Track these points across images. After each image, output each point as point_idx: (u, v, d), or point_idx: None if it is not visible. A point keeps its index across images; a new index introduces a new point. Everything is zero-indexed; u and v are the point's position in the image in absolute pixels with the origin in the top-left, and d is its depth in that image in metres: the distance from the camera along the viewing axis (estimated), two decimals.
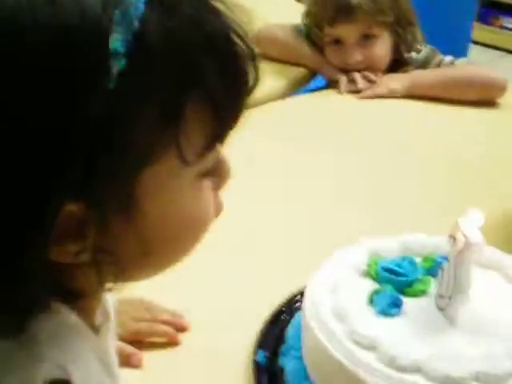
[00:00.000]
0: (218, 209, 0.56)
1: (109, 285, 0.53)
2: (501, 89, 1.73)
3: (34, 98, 0.43)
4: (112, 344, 0.60)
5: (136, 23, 0.44)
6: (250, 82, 0.51)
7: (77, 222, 0.46)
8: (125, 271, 0.50)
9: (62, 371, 0.49)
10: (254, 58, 0.51)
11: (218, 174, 0.54)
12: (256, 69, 0.51)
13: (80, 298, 0.52)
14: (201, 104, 0.48)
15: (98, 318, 0.58)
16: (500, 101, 1.75)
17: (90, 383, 0.51)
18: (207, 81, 0.47)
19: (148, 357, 0.87)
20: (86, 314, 0.55)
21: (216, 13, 0.49)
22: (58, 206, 0.45)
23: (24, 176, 0.43)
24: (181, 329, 0.92)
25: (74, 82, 0.43)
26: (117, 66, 0.43)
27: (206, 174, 0.52)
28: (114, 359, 0.60)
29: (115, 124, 0.44)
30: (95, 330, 0.56)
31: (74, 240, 0.47)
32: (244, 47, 0.50)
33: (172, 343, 0.90)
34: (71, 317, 0.51)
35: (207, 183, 0.53)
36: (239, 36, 0.50)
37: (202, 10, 0.48)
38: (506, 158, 1.49)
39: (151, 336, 0.90)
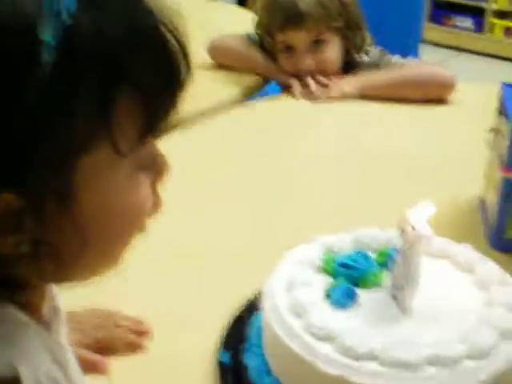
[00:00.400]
0: (157, 204, 0.57)
1: (51, 278, 0.54)
2: (450, 86, 1.77)
3: None
4: (65, 340, 0.61)
5: (67, 18, 0.46)
6: (183, 77, 0.52)
7: (13, 213, 0.47)
8: (64, 264, 0.51)
9: (9, 368, 0.49)
10: (185, 53, 0.53)
11: (155, 168, 0.56)
12: (188, 64, 0.53)
13: (24, 290, 0.53)
14: (131, 98, 0.49)
15: (46, 314, 0.58)
16: (450, 98, 1.79)
17: (41, 379, 0.52)
18: (137, 76, 0.49)
19: (112, 363, 0.88)
20: (33, 309, 0.55)
21: (147, 10, 0.51)
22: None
23: None
24: (143, 334, 0.93)
25: (7, 70, 0.45)
26: (47, 57, 0.45)
27: (143, 167, 0.53)
28: (70, 355, 0.61)
29: (46, 114, 0.46)
30: (45, 325, 0.57)
31: (11, 231, 0.48)
32: (175, 43, 0.52)
33: (136, 349, 0.91)
34: (19, 314, 0.52)
35: (144, 177, 0.54)
36: (170, 32, 0.52)
37: (132, 7, 0.50)
38: (457, 154, 1.53)
39: (113, 342, 0.91)
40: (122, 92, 0.49)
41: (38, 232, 0.49)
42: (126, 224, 0.54)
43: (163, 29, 0.51)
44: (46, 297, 0.59)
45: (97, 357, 0.87)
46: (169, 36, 0.51)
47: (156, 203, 0.57)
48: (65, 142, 0.47)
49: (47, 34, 0.45)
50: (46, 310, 0.59)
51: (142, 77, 0.49)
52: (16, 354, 0.51)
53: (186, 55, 0.53)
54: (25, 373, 0.50)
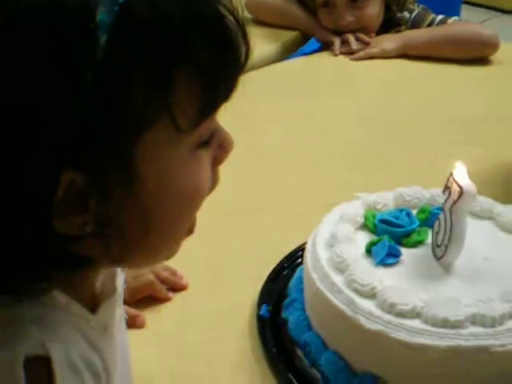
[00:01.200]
0: (214, 182, 0.56)
1: (116, 260, 0.54)
2: (492, 45, 1.74)
3: (29, 69, 0.44)
4: (117, 318, 0.62)
5: None
6: (241, 55, 0.51)
7: (79, 193, 0.47)
8: (128, 245, 0.51)
9: (42, 349, 0.50)
10: (243, 31, 0.52)
11: (217, 146, 0.55)
12: (246, 42, 0.52)
13: (86, 267, 0.54)
14: (190, 74, 0.49)
15: (98, 295, 0.59)
16: (492, 57, 1.76)
17: (75, 362, 0.52)
18: (195, 52, 0.48)
19: (151, 319, 0.90)
20: (82, 289, 0.56)
21: None
22: (57, 175, 0.46)
23: (20, 145, 0.45)
24: (180, 288, 0.95)
25: (66, 52, 0.45)
26: (104, 36, 0.45)
27: (203, 145, 0.53)
28: (118, 332, 0.62)
29: (107, 92, 0.45)
30: (95, 304, 0.58)
31: (77, 212, 0.48)
32: (233, 20, 0.51)
33: (164, 300, 0.93)
34: (61, 297, 0.53)
35: (205, 155, 0.54)
36: (228, 9, 0.51)
37: None
38: (500, 113, 1.51)
39: (151, 292, 0.93)
40: (181, 69, 0.48)
41: (103, 212, 0.49)
42: (186, 203, 0.54)
43: (221, 7, 0.50)
44: (101, 277, 0.59)
45: (134, 311, 0.88)
46: (227, 14, 0.51)
47: (213, 182, 0.56)
48: (124, 119, 0.47)
49: (102, 12, 0.45)
50: (99, 289, 0.59)
51: (200, 55, 0.49)
52: (49, 335, 0.51)
53: (244, 34, 0.52)
54: (56, 354, 0.50)
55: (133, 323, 0.87)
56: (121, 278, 0.64)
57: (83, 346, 0.55)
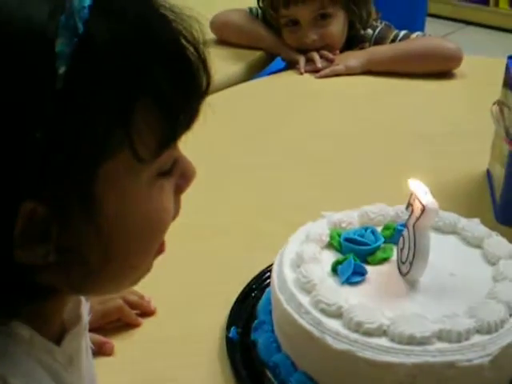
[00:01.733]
0: (176, 211, 0.56)
1: (79, 288, 0.54)
2: (456, 59, 1.76)
3: None
4: (83, 348, 0.62)
5: (81, 26, 0.45)
6: (202, 85, 0.52)
7: (39, 222, 0.47)
8: (91, 273, 0.51)
9: (1, 381, 0.50)
10: (204, 62, 0.52)
11: (179, 175, 0.55)
12: (207, 72, 0.52)
13: (50, 297, 0.53)
14: (150, 105, 0.49)
15: (64, 323, 0.59)
16: (456, 71, 1.78)
17: None
18: (155, 83, 0.49)
19: (118, 345, 0.89)
20: (49, 319, 0.56)
21: (164, 18, 0.51)
22: (16, 207, 0.46)
23: None
24: (148, 313, 0.94)
25: (24, 83, 0.45)
26: (63, 67, 0.45)
27: (165, 174, 0.53)
28: (84, 362, 0.61)
29: (66, 122, 0.45)
30: (61, 334, 0.58)
31: (39, 241, 0.48)
32: (194, 52, 0.51)
33: (132, 326, 0.92)
34: (23, 330, 0.53)
35: (166, 183, 0.54)
36: (188, 41, 0.51)
37: (149, 15, 0.50)
38: (463, 127, 1.53)
39: (119, 317, 0.92)
40: (141, 100, 0.48)
41: (64, 241, 0.49)
42: (148, 231, 0.54)
43: (182, 38, 0.51)
44: (64, 307, 0.59)
45: (102, 339, 0.88)
46: (186, 44, 0.51)
47: (175, 210, 0.56)
48: (84, 150, 0.46)
49: (61, 43, 0.45)
50: (65, 319, 0.59)
51: (160, 86, 0.49)
52: (10, 369, 0.51)
53: (205, 64, 0.52)
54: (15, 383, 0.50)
55: (101, 351, 0.86)
56: (86, 306, 0.64)
57: (47, 381, 0.54)
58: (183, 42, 0.51)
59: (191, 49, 0.51)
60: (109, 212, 0.50)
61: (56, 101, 0.45)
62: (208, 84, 0.53)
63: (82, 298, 0.63)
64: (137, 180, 0.51)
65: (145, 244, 0.55)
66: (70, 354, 0.59)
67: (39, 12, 0.45)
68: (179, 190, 0.56)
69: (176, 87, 0.50)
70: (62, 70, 0.45)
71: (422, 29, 2.49)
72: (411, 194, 0.83)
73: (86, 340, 0.65)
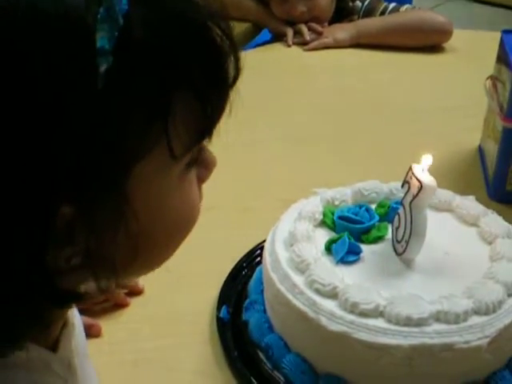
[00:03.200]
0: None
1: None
2: (446, 32, 1.74)
3: (25, 100, 0.41)
4: (75, 352, 0.59)
5: (121, 19, 0.42)
6: (234, 77, 0.50)
7: (66, 224, 0.44)
8: (116, 272, 0.48)
9: None
10: (235, 49, 0.50)
11: (201, 164, 0.54)
12: (238, 67, 0.50)
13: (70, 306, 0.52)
14: (188, 99, 0.47)
15: (57, 330, 0.57)
16: (445, 45, 1.76)
17: None
18: (192, 77, 0.46)
19: (105, 326, 0.87)
20: (49, 326, 0.53)
21: (197, 5, 0.48)
22: (55, 210, 0.43)
23: (19, 180, 0.42)
24: (136, 292, 0.92)
25: (64, 83, 0.41)
26: (104, 64, 0.42)
27: (191, 164, 0.51)
28: (79, 364, 0.59)
29: (104, 121, 0.43)
30: (54, 343, 0.55)
31: (65, 244, 0.45)
32: (225, 39, 0.49)
33: (121, 306, 0.90)
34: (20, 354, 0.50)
35: (193, 175, 0.52)
36: (220, 28, 0.48)
37: (183, 3, 0.47)
38: (455, 102, 1.51)
39: (105, 298, 0.89)
40: (179, 94, 0.46)
41: (91, 243, 0.45)
42: (179, 225, 0.52)
43: (213, 26, 0.48)
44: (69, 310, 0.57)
45: (89, 320, 0.85)
46: (219, 33, 0.48)
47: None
48: (121, 149, 0.44)
49: (102, 39, 0.42)
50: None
51: (196, 77, 0.47)
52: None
53: (236, 53, 0.50)
54: None
55: (88, 332, 0.83)
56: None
57: None
58: (215, 29, 0.48)
59: (223, 37, 0.49)
60: (139, 212, 0.47)
61: (96, 99, 0.42)
62: (238, 74, 0.50)
63: None
64: (168, 176, 0.49)
65: (175, 238, 0.53)
66: (67, 356, 0.57)
67: (76, 4, 0.42)
68: (201, 179, 0.54)
69: (212, 79, 0.48)
70: (103, 67, 0.42)
71: (410, 2, 2.47)
72: (408, 172, 0.81)
73: (82, 337, 0.63)
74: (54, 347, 0.55)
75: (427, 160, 0.80)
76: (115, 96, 0.43)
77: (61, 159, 0.42)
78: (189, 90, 0.46)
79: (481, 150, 1.30)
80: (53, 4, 0.41)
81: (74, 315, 0.61)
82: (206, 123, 0.50)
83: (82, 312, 0.76)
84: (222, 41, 0.48)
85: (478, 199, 0.94)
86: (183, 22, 0.46)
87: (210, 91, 0.48)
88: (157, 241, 0.51)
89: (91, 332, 0.84)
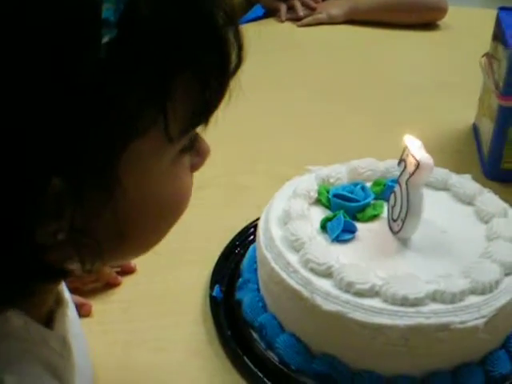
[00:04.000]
0: None
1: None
2: (442, 10, 1.73)
3: (25, 63, 0.40)
4: (71, 328, 0.59)
5: None
6: (236, 65, 0.50)
7: (54, 198, 0.43)
8: (101, 254, 0.48)
9: None
10: (239, 38, 0.50)
11: (195, 152, 0.53)
12: (240, 53, 0.50)
13: (60, 278, 0.51)
14: (189, 79, 0.46)
15: (52, 305, 0.56)
16: (440, 23, 1.75)
17: None
18: (196, 59, 0.46)
19: (96, 306, 0.86)
20: (39, 302, 0.53)
21: None
22: (46, 180, 0.42)
23: (12, 149, 0.41)
24: (128, 271, 0.91)
25: (66, 50, 0.41)
26: (108, 35, 0.41)
27: (184, 150, 0.51)
28: (73, 343, 0.58)
29: (103, 94, 0.42)
30: (48, 319, 0.55)
31: (51, 219, 0.44)
32: (230, 27, 0.49)
33: (112, 285, 0.89)
34: (15, 320, 0.50)
35: (185, 161, 0.52)
36: (226, 15, 0.48)
37: None
38: (450, 79, 1.49)
39: (95, 278, 0.88)
40: (180, 76, 0.45)
41: (78, 219, 0.45)
42: (167, 211, 0.52)
43: (219, 13, 0.47)
44: (58, 286, 0.57)
45: (80, 299, 0.84)
46: (225, 20, 0.48)
47: None
48: (118, 125, 0.43)
49: (107, 9, 0.41)
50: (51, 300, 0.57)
51: (199, 61, 0.46)
52: (5, 365, 0.48)
53: (239, 42, 0.50)
54: (9, 380, 0.48)
55: (79, 312, 0.82)
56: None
57: (44, 375, 0.52)
58: (221, 15, 0.48)
59: (228, 24, 0.48)
60: (129, 192, 0.46)
61: (97, 69, 0.41)
62: (240, 63, 0.50)
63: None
64: (161, 158, 0.49)
65: (162, 223, 0.53)
66: (62, 334, 0.56)
67: None
68: (193, 167, 0.54)
69: (214, 65, 0.48)
70: (106, 38, 0.41)
71: None
72: (404, 150, 0.79)
73: (74, 314, 0.64)
74: (49, 324, 0.55)
75: (417, 139, 0.79)
76: (116, 69, 0.42)
77: (55, 129, 0.41)
78: (190, 73, 0.46)
79: (475, 128, 1.28)
80: None
81: (69, 298, 0.61)
82: (204, 108, 0.49)
83: (72, 291, 0.75)
84: (226, 28, 0.48)
85: (473, 178, 0.93)
86: (190, 5, 0.46)
87: (211, 76, 0.48)
88: (144, 224, 0.50)
89: (82, 311, 0.83)
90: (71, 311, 0.62)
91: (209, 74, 0.48)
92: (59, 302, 0.58)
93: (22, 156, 0.41)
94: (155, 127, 0.46)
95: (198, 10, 0.46)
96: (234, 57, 0.49)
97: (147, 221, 0.50)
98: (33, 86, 0.40)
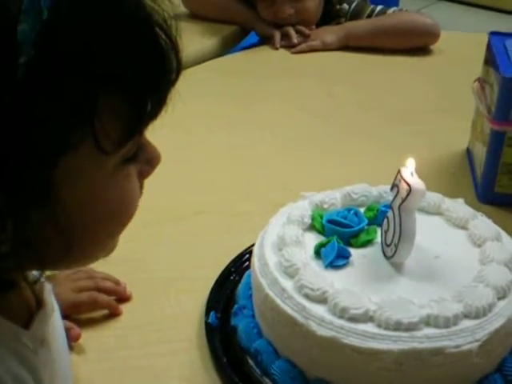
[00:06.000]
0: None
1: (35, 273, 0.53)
2: (434, 35, 1.74)
3: None
4: (54, 329, 0.60)
5: (45, 12, 0.42)
6: (172, 72, 0.50)
7: None
8: (46, 261, 0.49)
9: None
10: (176, 49, 0.50)
11: (144, 160, 0.53)
12: (178, 59, 0.50)
13: (7, 290, 0.51)
14: (115, 95, 0.46)
15: (32, 309, 0.57)
16: (433, 47, 1.76)
17: (3, 378, 0.51)
18: (122, 72, 0.46)
19: (92, 333, 0.86)
20: (13, 302, 0.54)
21: (135, 1, 0.47)
22: None
23: None
24: (123, 298, 0.91)
25: None
26: (25, 56, 0.42)
27: (130, 160, 0.51)
28: (56, 343, 0.60)
29: (26, 113, 0.43)
30: (25, 322, 0.55)
31: None
32: (166, 38, 0.49)
33: (113, 314, 0.89)
34: None
35: (132, 169, 0.52)
36: (160, 26, 0.48)
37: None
38: (444, 104, 1.50)
39: (93, 308, 0.88)
40: (106, 89, 0.45)
41: (18, 231, 0.46)
42: (114, 218, 0.53)
43: (152, 22, 0.48)
44: (29, 293, 0.57)
45: (68, 324, 0.83)
46: (158, 30, 0.48)
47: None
48: (45, 141, 0.44)
49: (23, 29, 0.42)
50: (31, 303, 0.57)
51: (127, 76, 0.46)
52: None
53: (176, 51, 0.50)
54: None
55: (67, 335, 0.82)
56: (48, 286, 0.61)
57: (13, 363, 0.53)
58: (153, 24, 0.48)
59: (161, 33, 0.49)
60: (67, 203, 0.47)
61: (16, 90, 0.42)
62: (178, 71, 0.50)
63: (46, 284, 0.60)
64: (100, 169, 0.49)
65: (108, 231, 0.54)
66: (41, 336, 0.57)
67: None
68: (143, 175, 0.55)
69: (144, 75, 0.48)
70: (23, 58, 0.42)
71: (396, 5, 2.47)
72: (397, 175, 0.80)
73: (59, 323, 0.64)
74: (26, 325, 0.55)
75: (412, 164, 0.80)
76: (36, 88, 0.42)
77: None
78: (117, 86, 0.46)
79: (469, 152, 1.29)
80: None
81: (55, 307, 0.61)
82: (137, 120, 0.49)
83: (67, 318, 0.75)
84: (160, 40, 0.48)
85: (466, 201, 0.93)
86: (115, 16, 0.46)
87: (140, 88, 0.47)
88: (89, 234, 0.51)
89: (70, 335, 0.82)
90: (59, 324, 0.64)
91: (137, 88, 0.47)
92: (41, 305, 0.58)
93: None
94: (86, 142, 0.46)
95: (122, 16, 0.46)
96: (172, 69, 0.49)
97: (92, 230, 0.51)
98: None
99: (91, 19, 0.44)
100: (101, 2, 0.45)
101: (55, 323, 0.62)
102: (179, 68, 0.50)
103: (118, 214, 0.52)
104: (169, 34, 0.49)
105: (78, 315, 0.87)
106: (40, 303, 0.58)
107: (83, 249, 0.52)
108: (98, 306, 0.89)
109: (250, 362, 0.81)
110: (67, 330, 0.81)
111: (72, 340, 0.83)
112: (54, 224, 0.47)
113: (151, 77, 0.48)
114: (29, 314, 0.57)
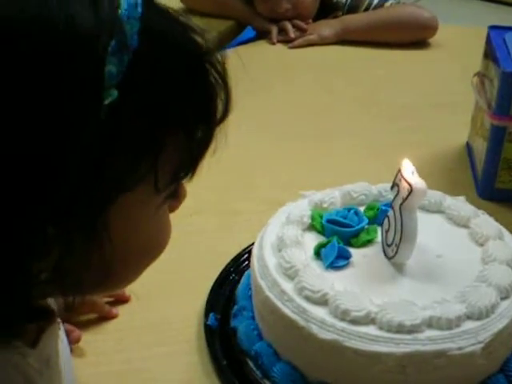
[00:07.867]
0: None
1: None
2: (432, 28, 1.73)
3: (28, 125, 0.41)
4: (58, 345, 0.60)
5: (130, 55, 0.43)
6: (222, 117, 0.51)
7: (44, 242, 0.44)
8: (83, 290, 0.49)
9: None
10: (227, 93, 0.51)
11: (175, 196, 0.55)
12: (228, 102, 0.51)
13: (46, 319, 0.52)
14: (179, 139, 0.47)
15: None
16: (431, 40, 1.75)
17: None
18: (187, 116, 0.47)
19: (90, 336, 0.85)
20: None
21: (194, 41, 0.49)
22: (40, 231, 0.43)
23: (12, 201, 0.42)
24: (121, 301, 0.90)
25: (68, 111, 0.41)
26: (109, 97, 0.42)
27: (168, 197, 0.52)
28: (60, 359, 0.60)
29: (101, 154, 0.43)
30: (33, 340, 0.55)
31: (39, 259, 0.45)
32: (221, 82, 0.50)
33: (108, 318, 0.88)
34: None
35: (166, 205, 0.54)
36: (212, 64, 0.49)
37: (184, 37, 0.48)
38: (442, 99, 1.49)
39: (91, 309, 0.87)
40: (171, 132, 0.47)
41: (64, 262, 0.46)
42: (150, 253, 0.54)
43: (210, 67, 0.49)
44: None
45: (68, 327, 0.82)
46: (214, 74, 0.50)
47: None
48: (113, 177, 0.44)
49: (112, 72, 0.42)
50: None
51: (191, 117, 0.48)
52: None
53: (227, 94, 0.51)
54: None
55: (68, 338, 0.81)
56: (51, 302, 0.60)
57: (12, 374, 0.52)
58: (211, 69, 0.49)
59: (218, 78, 0.50)
60: (116, 239, 0.48)
61: (97, 130, 0.42)
62: (227, 111, 0.52)
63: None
64: (148, 205, 0.50)
65: (144, 263, 0.55)
66: (47, 354, 0.57)
67: (88, 33, 0.42)
68: (171, 209, 0.56)
69: (202, 118, 0.50)
70: (108, 100, 0.42)
71: None
72: (397, 174, 0.79)
73: (63, 337, 0.64)
74: (33, 343, 0.55)
75: (410, 164, 0.79)
76: (115, 129, 0.43)
77: (56, 184, 0.42)
78: (182, 130, 0.47)
79: (469, 147, 1.28)
80: (64, 29, 0.41)
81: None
82: (192, 162, 0.51)
83: (65, 322, 0.74)
84: (216, 82, 0.50)
85: (466, 197, 0.92)
86: (184, 58, 0.47)
87: (198, 130, 0.49)
88: (128, 264, 0.52)
89: (71, 338, 0.81)
90: (62, 334, 0.64)
91: (196, 128, 0.49)
92: (48, 321, 0.57)
93: (22, 208, 0.42)
94: (146, 181, 0.47)
95: (190, 64, 0.47)
96: (220, 108, 0.51)
97: (131, 262, 0.52)
98: (36, 147, 0.41)
99: (168, 61, 0.45)
100: (174, 48, 0.46)
101: (62, 336, 0.63)
102: (228, 108, 0.51)
103: (155, 247, 0.55)
104: (224, 78, 0.50)
105: (77, 317, 0.86)
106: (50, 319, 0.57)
107: (119, 277, 0.53)
108: (97, 310, 0.87)
109: (251, 364, 0.80)
110: (68, 334, 0.81)
111: (73, 342, 0.82)
112: (98, 255, 0.47)
113: (207, 119, 0.50)
114: (37, 328, 0.56)
